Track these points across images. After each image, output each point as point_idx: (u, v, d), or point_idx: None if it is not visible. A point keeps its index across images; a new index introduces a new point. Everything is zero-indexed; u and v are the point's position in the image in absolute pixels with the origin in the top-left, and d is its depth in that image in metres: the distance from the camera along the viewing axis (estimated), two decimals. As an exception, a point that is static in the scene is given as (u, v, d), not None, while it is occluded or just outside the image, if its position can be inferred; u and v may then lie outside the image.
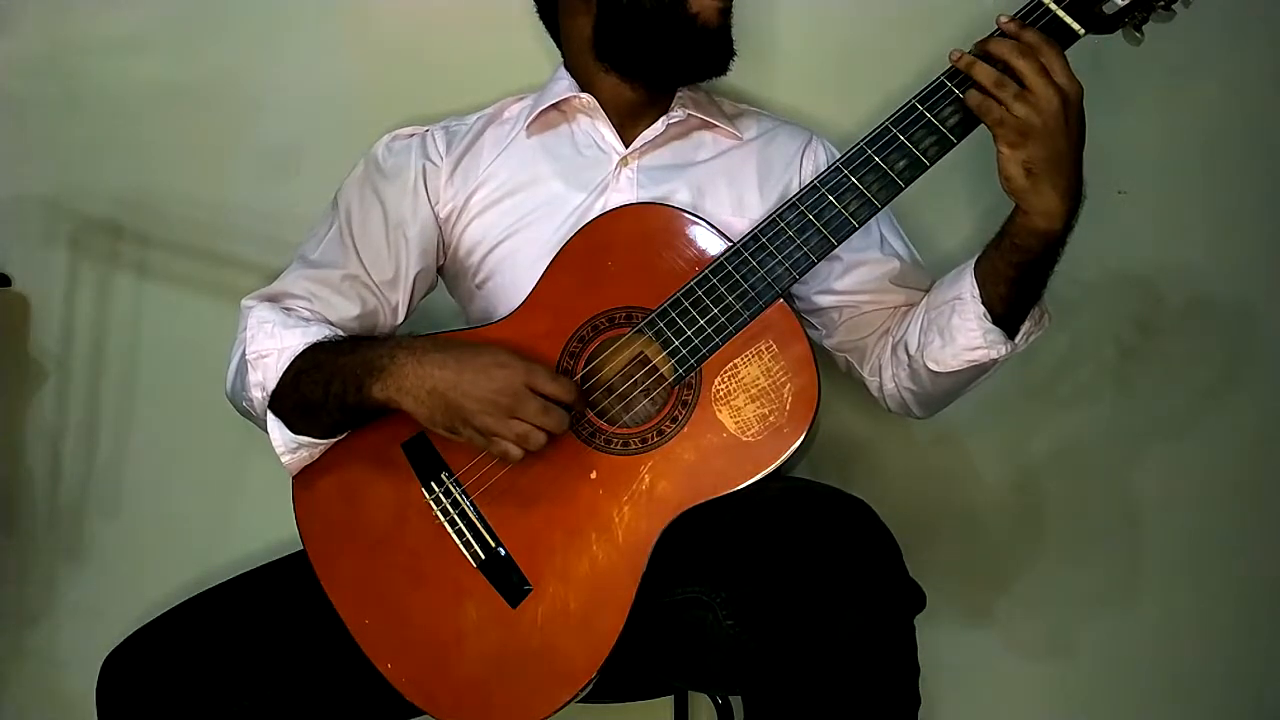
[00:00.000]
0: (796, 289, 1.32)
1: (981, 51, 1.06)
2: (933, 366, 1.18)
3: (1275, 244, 1.57)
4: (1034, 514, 1.64)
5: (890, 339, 1.28)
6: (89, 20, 1.59)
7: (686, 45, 1.25)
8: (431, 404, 1.11)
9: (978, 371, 1.18)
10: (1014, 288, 1.13)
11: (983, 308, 1.14)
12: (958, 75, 1.07)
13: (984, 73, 1.04)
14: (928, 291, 1.26)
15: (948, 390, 1.24)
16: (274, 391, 1.18)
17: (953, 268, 1.22)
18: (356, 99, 1.57)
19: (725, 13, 1.25)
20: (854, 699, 1.00)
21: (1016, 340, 1.16)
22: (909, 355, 1.22)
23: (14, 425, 1.65)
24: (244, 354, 1.20)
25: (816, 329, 1.34)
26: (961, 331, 1.15)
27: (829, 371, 1.24)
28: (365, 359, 1.14)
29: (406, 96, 1.51)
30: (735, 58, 1.28)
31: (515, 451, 1.10)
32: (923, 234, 1.41)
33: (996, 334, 1.14)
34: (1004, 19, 1.05)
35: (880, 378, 1.29)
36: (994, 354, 1.15)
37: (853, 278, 1.30)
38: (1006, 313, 1.14)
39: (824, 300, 1.31)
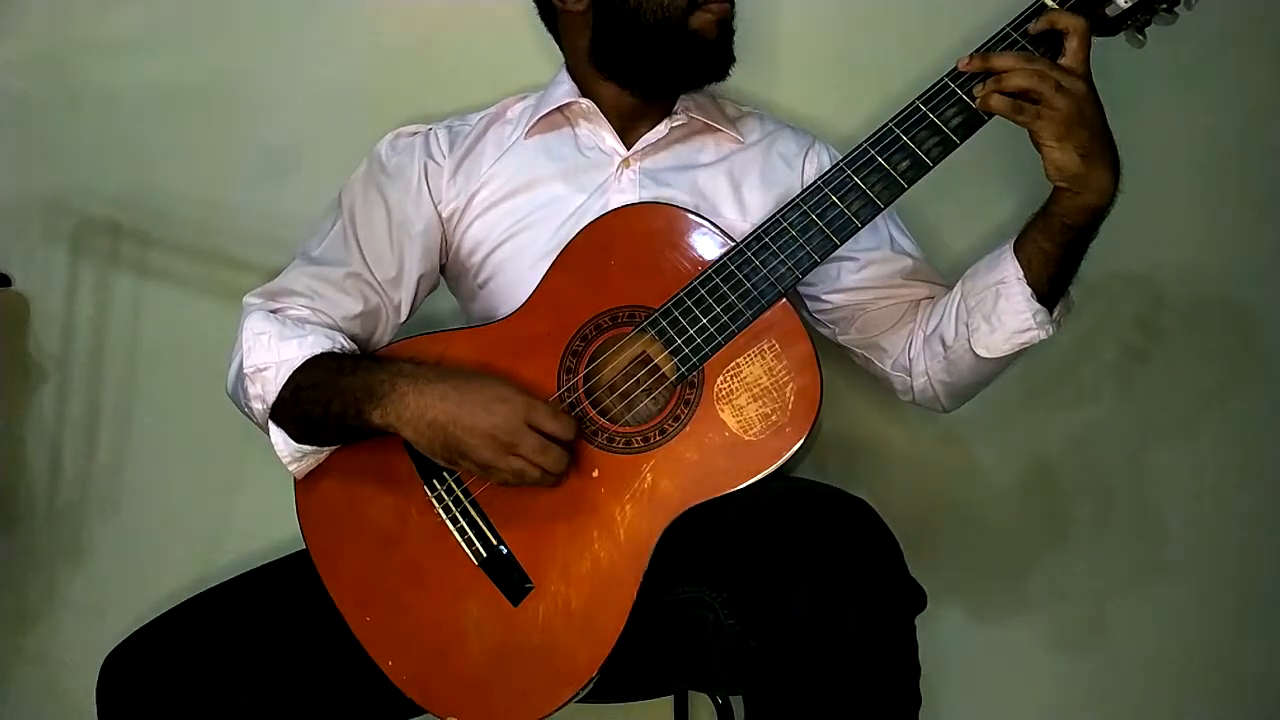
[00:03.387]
0: (809, 289, 1.33)
1: (1008, 49, 1.06)
2: (982, 353, 1.18)
3: (1275, 244, 1.58)
4: (1036, 514, 1.65)
5: (919, 333, 1.28)
6: (89, 20, 1.59)
7: (685, 58, 1.25)
8: (431, 435, 1.11)
9: (1011, 360, 1.20)
10: (1059, 266, 1.14)
11: (1030, 289, 1.14)
12: (961, 76, 1.08)
13: (1024, 77, 1.04)
14: (945, 286, 1.27)
15: (985, 377, 1.24)
16: (274, 404, 1.18)
17: (963, 267, 1.23)
18: (357, 99, 1.57)
19: (725, 25, 1.25)
20: (855, 699, 0.99)
21: (1054, 317, 1.17)
22: (945, 346, 1.23)
23: (14, 425, 1.65)
24: (242, 363, 1.20)
25: (830, 327, 1.35)
26: (1010, 314, 1.15)
27: (834, 370, 1.24)
28: (366, 383, 1.14)
29: (407, 96, 1.51)
30: (735, 63, 1.27)
31: (513, 481, 1.11)
32: (930, 233, 1.41)
33: (1044, 314, 1.15)
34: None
35: (909, 373, 1.29)
36: (1042, 334, 1.16)
37: (864, 275, 1.30)
38: (1048, 293, 1.15)
39: (837, 299, 1.32)
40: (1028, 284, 1.14)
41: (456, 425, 1.10)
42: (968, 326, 1.19)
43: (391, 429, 1.12)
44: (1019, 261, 1.15)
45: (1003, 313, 1.16)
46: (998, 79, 1.05)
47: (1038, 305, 1.15)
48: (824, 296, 1.32)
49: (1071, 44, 1.05)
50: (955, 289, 1.23)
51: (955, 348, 1.21)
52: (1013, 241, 1.17)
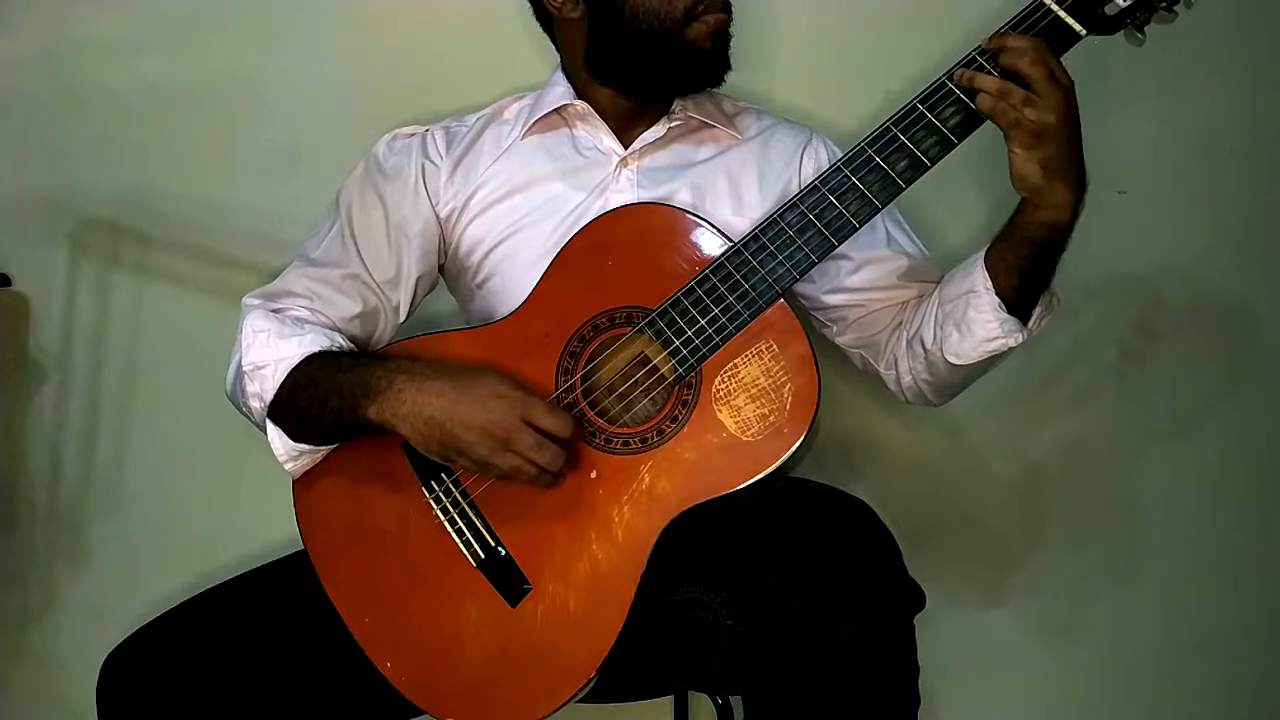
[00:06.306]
0: (806, 289, 1.33)
1: (989, 58, 1.06)
2: (953, 360, 1.19)
3: (1275, 244, 1.58)
4: (1036, 513, 1.65)
5: (904, 333, 1.28)
6: (89, 20, 1.59)
7: (681, 68, 1.25)
8: (428, 432, 1.11)
9: (994, 359, 1.20)
10: (1025, 277, 1.14)
11: (997, 299, 1.15)
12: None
13: (988, 83, 1.05)
14: (937, 284, 1.27)
15: (964, 378, 1.25)
16: (271, 403, 1.18)
17: (961, 262, 1.23)
18: (357, 99, 1.57)
19: (721, 35, 1.25)
20: (854, 699, 1.00)
21: (1030, 326, 1.17)
22: (925, 349, 1.23)
23: (14, 425, 1.65)
24: (241, 361, 1.20)
25: (829, 327, 1.35)
26: (979, 324, 1.16)
27: (833, 370, 1.24)
28: (363, 379, 1.14)
29: (406, 96, 1.51)
30: (731, 70, 1.27)
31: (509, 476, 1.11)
32: (931, 229, 1.41)
33: (1013, 323, 1.16)
34: (986, 41, 1.06)
35: (896, 371, 1.30)
36: (1011, 342, 1.16)
37: (862, 276, 1.30)
38: (1019, 301, 1.16)
39: (834, 299, 1.32)
40: (995, 294, 1.15)
41: (453, 421, 1.10)
42: (942, 330, 1.20)
43: (388, 425, 1.12)
44: (987, 271, 1.16)
45: (972, 322, 1.16)
46: (972, 76, 1.06)
47: (1005, 315, 1.15)
48: (822, 297, 1.32)
49: (1021, 65, 1.04)
50: (935, 292, 1.24)
51: (933, 351, 1.22)
52: (984, 250, 1.17)
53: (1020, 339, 1.16)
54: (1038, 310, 1.18)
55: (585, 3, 1.25)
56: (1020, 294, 1.15)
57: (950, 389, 1.28)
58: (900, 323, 1.30)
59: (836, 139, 1.39)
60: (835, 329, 1.34)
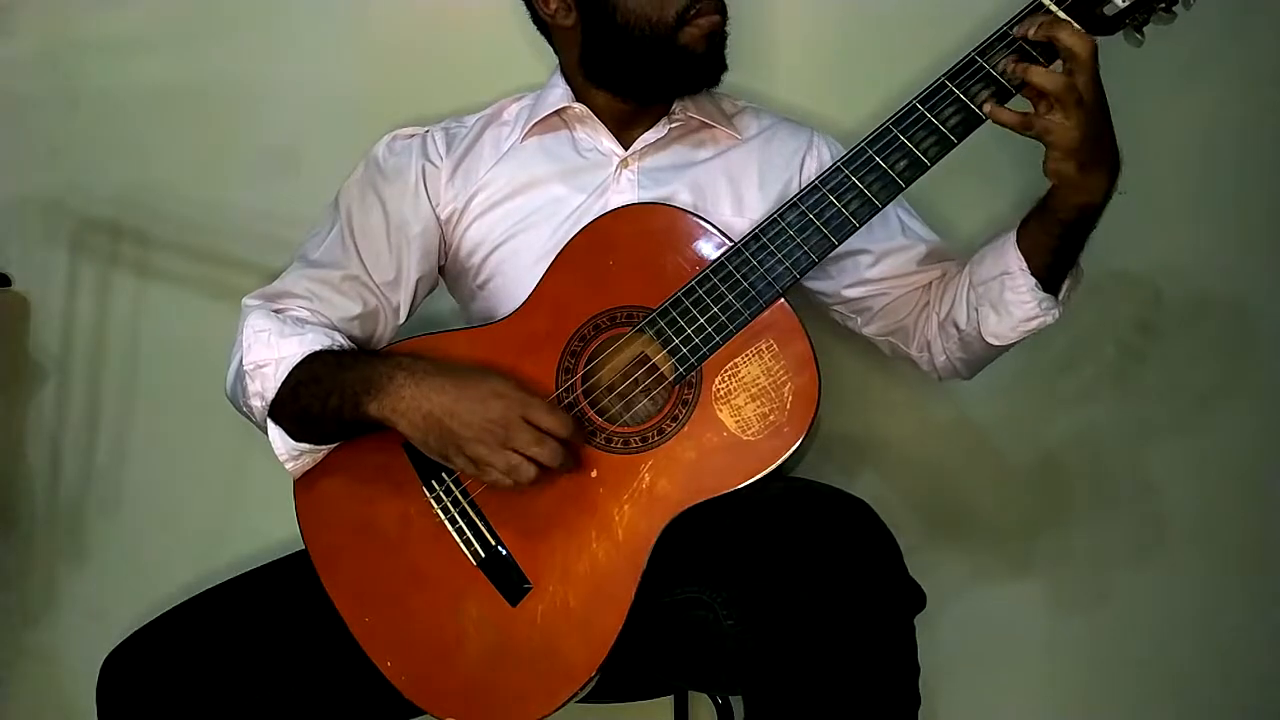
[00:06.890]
0: (825, 286, 1.34)
1: (1005, 46, 1.06)
2: (992, 340, 1.21)
3: (1275, 244, 1.58)
4: (1035, 514, 1.65)
5: (934, 315, 1.30)
6: (89, 20, 1.60)
7: (676, 71, 1.25)
8: (426, 428, 1.11)
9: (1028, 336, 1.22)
10: (1057, 255, 1.15)
11: (1034, 279, 1.16)
12: (959, 75, 1.07)
13: (1054, 83, 1.02)
14: (957, 261, 1.29)
15: (999, 353, 1.27)
16: (273, 401, 1.18)
17: (972, 250, 1.24)
18: (356, 99, 1.57)
19: (715, 37, 1.24)
20: (854, 699, 1.00)
21: (1060, 299, 1.19)
22: (959, 330, 1.25)
23: (14, 425, 1.65)
24: (241, 360, 1.20)
25: (852, 319, 1.37)
26: (1016, 304, 1.17)
27: (834, 368, 1.24)
28: (364, 376, 1.14)
29: (406, 96, 1.51)
30: (727, 70, 1.27)
31: (505, 481, 1.10)
32: (938, 223, 1.41)
33: (1050, 300, 1.17)
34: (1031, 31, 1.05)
35: (929, 352, 1.31)
36: (1048, 319, 1.18)
37: (882, 267, 1.32)
38: (1049, 278, 1.17)
39: (856, 292, 1.33)
40: (1030, 273, 1.16)
41: (453, 419, 1.10)
42: (977, 312, 1.21)
43: (387, 421, 1.13)
44: (1020, 252, 1.17)
45: (1009, 303, 1.18)
46: (1025, 68, 1.04)
47: (1043, 294, 1.17)
48: (843, 291, 1.34)
49: (1076, 68, 1.02)
50: (964, 273, 1.25)
51: (968, 331, 1.23)
52: (1015, 231, 1.18)
53: (1056, 315, 1.18)
54: (1067, 284, 1.19)
55: (578, 9, 1.26)
56: (1051, 271, 1.17)
57: (983, 363, 1.31)
58: (927, 303, 1.32)
59: (837, 139, 1.39)
60: (860, 320, 1.36)
